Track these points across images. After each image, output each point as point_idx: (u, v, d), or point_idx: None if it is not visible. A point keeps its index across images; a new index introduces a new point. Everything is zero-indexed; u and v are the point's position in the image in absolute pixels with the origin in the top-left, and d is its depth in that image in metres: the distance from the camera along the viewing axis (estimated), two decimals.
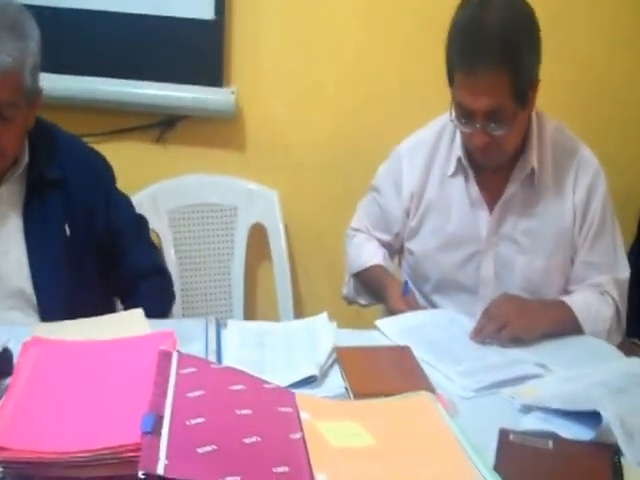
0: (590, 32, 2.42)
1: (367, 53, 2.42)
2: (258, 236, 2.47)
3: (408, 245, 1.84)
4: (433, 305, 1.82)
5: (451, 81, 1.59)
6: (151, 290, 1.78)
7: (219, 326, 1.50)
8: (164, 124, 2.43)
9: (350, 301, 1.99)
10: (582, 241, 1.73)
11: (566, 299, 1.68)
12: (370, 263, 1.87)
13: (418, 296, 1.82)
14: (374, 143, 2.29)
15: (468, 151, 1.70)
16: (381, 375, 1.33)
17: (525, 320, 1.56)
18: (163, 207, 2.38)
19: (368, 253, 1.90)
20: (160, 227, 2.36)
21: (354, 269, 1.92)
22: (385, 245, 1.90)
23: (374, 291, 1.87)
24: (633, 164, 2.45)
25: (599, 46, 2.43)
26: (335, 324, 1.53)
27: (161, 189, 2.39)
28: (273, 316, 2.40)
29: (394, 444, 1.05)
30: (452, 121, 1.64)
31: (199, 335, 1.45)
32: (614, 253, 1.76)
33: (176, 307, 1.96)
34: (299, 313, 2.43)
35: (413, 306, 1.68)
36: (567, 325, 1.63)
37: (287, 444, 1.00)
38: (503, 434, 1.12)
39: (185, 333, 1.36)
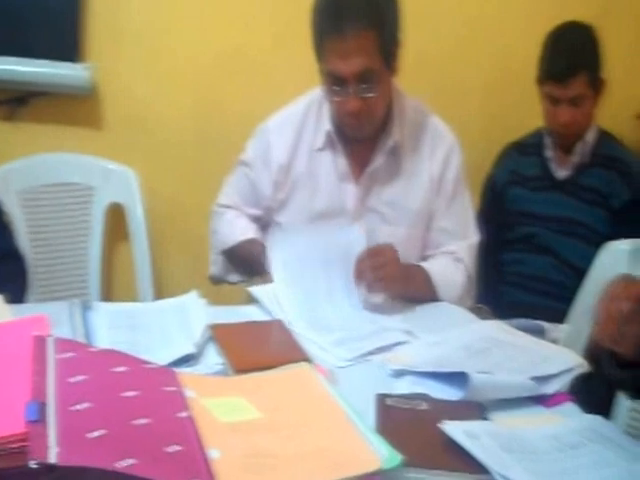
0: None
1: (232, 30, 2.40)
2: (116, 216, 2.41)
3: (277, 218, 1.87)
4: None
5: (320, 51, 1.64)
6: (5, 275, 1.71)
7: (85, 309, 1.46)
8: (16, 101, 2.31)
9: (218, 280, 1.98)
10: (437, 208, 1.83)
11: (424, 265, 1.78)
12: (243, 238, 1.87)
13: None
14: (236, 120, 2.30)
15: (337, 124, 1.75)
16: (258, 349, 1.35)
17: (401, 279, 1.63)
18: (15, 188, 2.27)
19: (240, 228, 1.90)
20: (12, 208, 2.24)
21: (226, 245, 1.91)
22: (256, 220, 1.92)
23: (249, 265, 1.86)
24: (477, 139, 2.60)
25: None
26: (205, 301, 1.53)
27: (12, 169, 2.28)
28: (132, 298, 2.35)
29: (280, 416, 1.07)
30: (324, 89, 1.69)
31: (63, 319, 1.40)
32: (466, 220, 1.87)
33: (30, 291, 1.88)
34: (159, 294, 2.39)
35: None
36: (427, 291, 1.72)
37: (176, 423, 0.99)
38: (380, 399, 1.16)
39: (49, 317, 1.31)
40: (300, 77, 1.76)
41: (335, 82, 1.64)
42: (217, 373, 1.25)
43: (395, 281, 1.62)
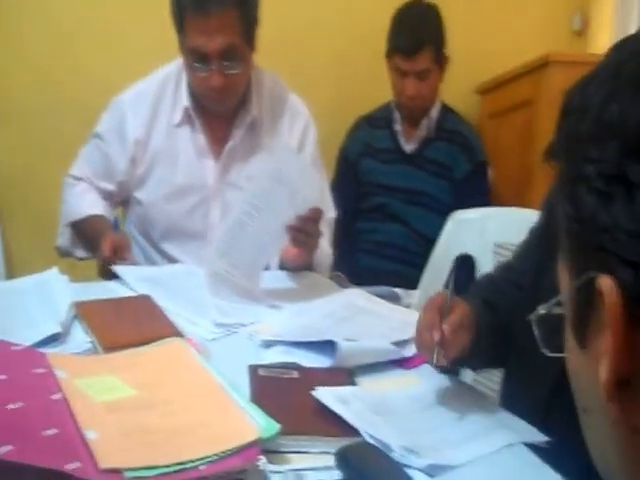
0: None
1: None
2: None
3: (136, 194, 1.84)
4: (161, 252, 1.84)
5: (181, 27, 1.62)
6: None
7: None
8: None
9: (64, 253, 1.92)
10: None
11: None
12: (90, 212, 1.83)
13: (144, 242, 1.84)
14: (90, 91, 2.22)
15: (196, 100, 1.74)
16: (127, 326, 1.33)
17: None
18: None
19: (88, 202, 1.85)
20: None
21: (72, 217, 1.86)
22: (108, 195, 1.87)
23: (90, 241, 1.83)
24: (328, 113, 2.66)
25: None
26: (67, 278, 1.49)
27: None
28: None
29: (156, 392, 1.07)
30: (185, 65, 1.68)
31: None
32: (323, 195, 1.91)
33: None
34: (10, 272, 2.29)
35: (122, 244, 1.65)
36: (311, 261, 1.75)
37: (50, 406, 0.98)
38: (253, 370, 1.19)
39: None
40: (156, 47, 1.74)
41: (197, 58, 1.63)
42: (86, 352, 1.23)
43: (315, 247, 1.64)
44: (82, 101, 2.21)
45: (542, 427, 1.08)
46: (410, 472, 0.94)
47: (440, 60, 2.41)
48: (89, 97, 1.96)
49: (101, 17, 2.37)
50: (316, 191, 1.53)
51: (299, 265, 1.68)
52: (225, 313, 1.43)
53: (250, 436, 0.96)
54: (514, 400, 1.22)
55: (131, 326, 1.33)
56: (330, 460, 0.96)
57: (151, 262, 1.85)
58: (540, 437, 1.07)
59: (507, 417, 1.13)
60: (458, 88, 2.73)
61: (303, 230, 1.53)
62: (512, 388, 1.27)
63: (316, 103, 1.98)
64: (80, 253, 1.90)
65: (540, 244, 1.21)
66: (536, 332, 0.55)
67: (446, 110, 2.53)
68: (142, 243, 1.87)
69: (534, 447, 1.05)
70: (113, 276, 1.59)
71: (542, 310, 0.54)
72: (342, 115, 2.62)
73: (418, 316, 1.18)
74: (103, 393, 1.05)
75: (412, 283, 2.13)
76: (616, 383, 0.46)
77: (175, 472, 0.89)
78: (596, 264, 0.47)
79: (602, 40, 2.89)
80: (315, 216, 1.53)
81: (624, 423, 0.47)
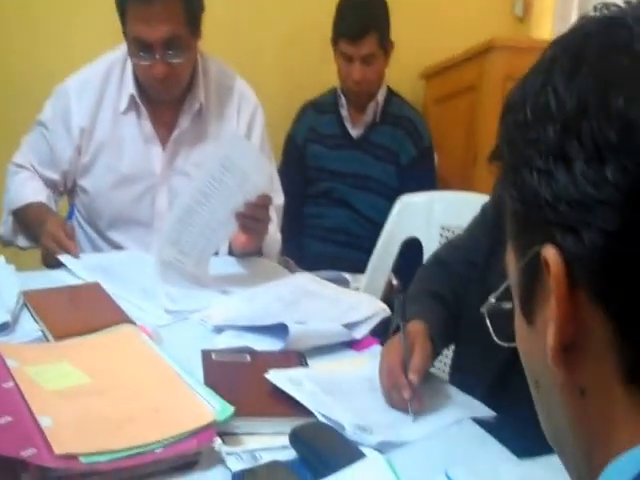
0: None
1: None
2: None
3: (81, 183, 1.81)
4: (107, 240, 1.83)
5: (123, 16, 1.60)
6: None
7: None
8: None
9: (6, 242, 1.89)
10: None
11: None
12: (32, 199, 1.79)
13: (91, 231, 1.83)
14: (38, 75, 2.18)
15: (142, 87, 1.73)
16: (77, 314, 1.33)
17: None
18: None
19: (31, 190, 1.81)
20: None
21: (14, 205, 1.82)
22: (52, 184, 1.84)
23: (32, 228, 1.78)
24: (275, 98, 2.66)
25: None
26: (13, 267, 1.48)
27: None
28: None
29: (110, 379, 1.08)
30: (129, 53, 1.66)
31: None
32: (272, 181, 1.92)
33: None
34: None
35: (70, 235, 1.63)
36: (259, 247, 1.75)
37: (2, 394, 0.97)
38: (206, 354, 1.20)
39: None
40: (105, 33, 1.71)
41: (141, 47, 1.62)
42: (36, 340, 1.22)
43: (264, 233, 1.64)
44: (30, 88, 2.16)
45: (492, 401, 1.12)
46: (362, 449, 0.96)
47: (385, 45, 2.43)
48: (38, 84, 1.92)
49: (50, 3, 2.32)
50: (265, 178, 1.54)
51: (248, 251, 1.69)
52: (175, 300, 1.43)
53: (205, 419, 0.97)
54: (465, 376, 1.25)
55: (81, 314, 1.33)
56: (284, 440, 0.98)
57: (97, 250, 1.83)
58: (488, 412, 1.10)
59: (456, 394, 1.16)
60: (403, 73, 2.75)
61: (252, 217, 1.54)
62: (463, 364, 1.30)
63: (264, 88, 1.99)
64: (22, 242, 1.86)
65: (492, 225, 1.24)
66: (488, 323, 0.57)
67: (392, 95, 2.55)
68: (88, 231, 1.85)
69: (482, 422, 1.09)
70: (58, 264, 1.58)
71: (492, 299, 0.56)
72: (290, 101, 2.62)
73: (379, 363, 1.15)
74: (55, 380, 1.05)
75: (360, 267, 2.15)
76: (562, 347, 0.49)
77: (131, 456, 0.90)
78: (540, 239, 0.49)
79: (544, 25, 2.96)
80: (264, 202, 1.54)
81: (571, 386, 0.50)
